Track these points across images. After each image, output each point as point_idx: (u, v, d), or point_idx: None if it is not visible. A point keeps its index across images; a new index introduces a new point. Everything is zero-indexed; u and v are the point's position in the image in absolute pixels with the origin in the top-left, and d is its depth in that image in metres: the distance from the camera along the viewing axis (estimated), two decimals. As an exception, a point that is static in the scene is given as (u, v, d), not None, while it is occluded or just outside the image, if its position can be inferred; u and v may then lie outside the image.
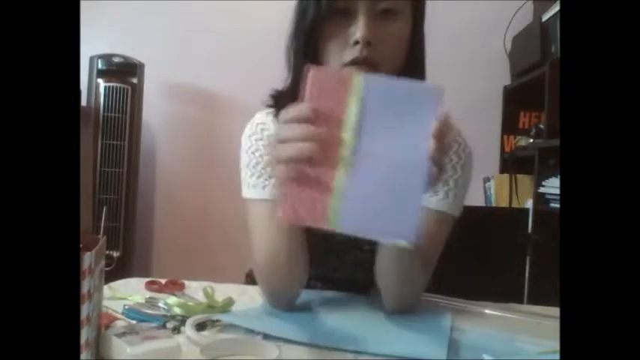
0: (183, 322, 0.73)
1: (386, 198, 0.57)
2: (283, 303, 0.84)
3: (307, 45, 0.82)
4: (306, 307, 0.85)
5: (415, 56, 0.85)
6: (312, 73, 0.58)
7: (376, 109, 0.57)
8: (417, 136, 0.56)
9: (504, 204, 2.24)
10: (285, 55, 0.87)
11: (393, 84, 0.59)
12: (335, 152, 0.57)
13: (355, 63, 0.77)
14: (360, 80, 0.57)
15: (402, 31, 0.81)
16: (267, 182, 0.86)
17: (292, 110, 0.58)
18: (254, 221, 0.87)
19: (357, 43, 0.76)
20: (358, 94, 0.57)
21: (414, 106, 0.57)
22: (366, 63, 0.77)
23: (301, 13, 0.83)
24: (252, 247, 0.86)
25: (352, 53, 0.77)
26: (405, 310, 0.84)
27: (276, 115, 0.88)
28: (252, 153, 0.89)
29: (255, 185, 0.87)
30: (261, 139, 0.89)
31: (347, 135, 0.57)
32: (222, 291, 0.87)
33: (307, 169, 0.57)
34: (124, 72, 2.33)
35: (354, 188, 0.57)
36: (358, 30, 0.76)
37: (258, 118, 0.91)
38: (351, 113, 0.57)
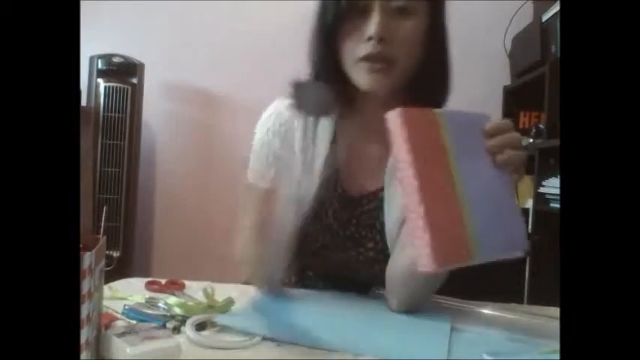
0: (183, 322, 0.73)
1: (497, 219, 0.61)
2: (264, 283, 0.86)
3: (326, 42, 0.84)
4: (305, 308, 0.85)
5: (433, 54, 0.85)
6: (402, 116, 0.58)
7: (457, 139, 0.61)
8: (487, 156, 0.63)
9: (504, 204, 2.23)
10: (308, 49, 0.89)
11: (459, 114, 0.65)
12: (451, 188, 0.59)
13: (368, 58, 0.79)
14: (442, 115, 0.61)
15: (416, 29, 0.82)
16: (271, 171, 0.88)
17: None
18: (246, 203, 0.89)
19: (370, 39, 0.78)
20: (446, 127, 0.60)
21: (475, 131, 0.64)
22: (380, 58, 0.79)
23: (322, 12, 0.85)
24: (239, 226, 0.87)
25: (366, 49, 0.79)
26: (411, 310, 0.84)
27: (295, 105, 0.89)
28: (266, 141, 0.90)
29: (260, 171, 0.89)
30: (277, 127, 0.90)
31: (452, 168, 0.59)
32: (222, 291, 0.87)
33: (438, 212, 0.58)
34: (124, 72, 2.34)
35: (476, 217, 0.59)
36: (372, 26, 0.78)
37: (274, 106, 0.93)
38: (448, 147, 0.60)
